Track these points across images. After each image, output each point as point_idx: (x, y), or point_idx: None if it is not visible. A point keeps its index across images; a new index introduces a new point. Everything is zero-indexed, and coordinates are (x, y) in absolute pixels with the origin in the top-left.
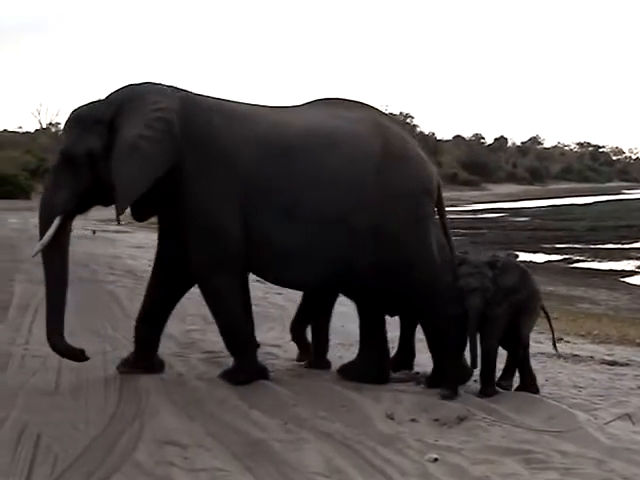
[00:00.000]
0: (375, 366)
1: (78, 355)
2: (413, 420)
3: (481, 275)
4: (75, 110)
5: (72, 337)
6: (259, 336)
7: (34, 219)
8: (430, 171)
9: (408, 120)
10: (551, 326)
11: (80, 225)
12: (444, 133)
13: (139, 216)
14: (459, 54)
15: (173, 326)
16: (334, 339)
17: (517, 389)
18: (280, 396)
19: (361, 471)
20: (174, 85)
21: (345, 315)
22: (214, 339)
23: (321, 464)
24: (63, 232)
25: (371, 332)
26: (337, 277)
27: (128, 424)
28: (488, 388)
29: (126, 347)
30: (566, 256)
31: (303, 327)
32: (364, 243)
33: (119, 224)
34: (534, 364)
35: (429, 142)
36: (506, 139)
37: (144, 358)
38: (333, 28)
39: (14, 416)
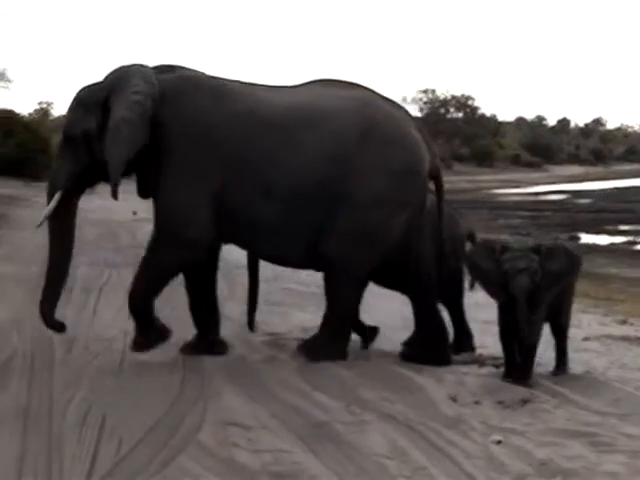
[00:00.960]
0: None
1: (59, 328)
2: (476, 402)
3: (528, 258)
4: (79, 91)
5: (130, 320)
6: (310, 317)
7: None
8: (419, 154)
9: (469, 102)
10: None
11: (128, 207)
12: (506, 115)
13: (140, 193)
14: (521, 35)
15: (234, 308)
16: (397, 321)
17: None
18: (342, 378)
19: (425, 453)
20: (172, 64)
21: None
22: (275, 321)
23: (384, 446)
24: (67, 206)
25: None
26: (316, 252)
27: (192, 405)
28: (526, 375)
29: (187, 329)
30: (630, 238)
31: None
32: (339, 217)
33: (116, 199)
34: (599, 346)
35: (490, 124)
36: (569, 121)
37: (206, 340)
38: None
39: (79, 397)
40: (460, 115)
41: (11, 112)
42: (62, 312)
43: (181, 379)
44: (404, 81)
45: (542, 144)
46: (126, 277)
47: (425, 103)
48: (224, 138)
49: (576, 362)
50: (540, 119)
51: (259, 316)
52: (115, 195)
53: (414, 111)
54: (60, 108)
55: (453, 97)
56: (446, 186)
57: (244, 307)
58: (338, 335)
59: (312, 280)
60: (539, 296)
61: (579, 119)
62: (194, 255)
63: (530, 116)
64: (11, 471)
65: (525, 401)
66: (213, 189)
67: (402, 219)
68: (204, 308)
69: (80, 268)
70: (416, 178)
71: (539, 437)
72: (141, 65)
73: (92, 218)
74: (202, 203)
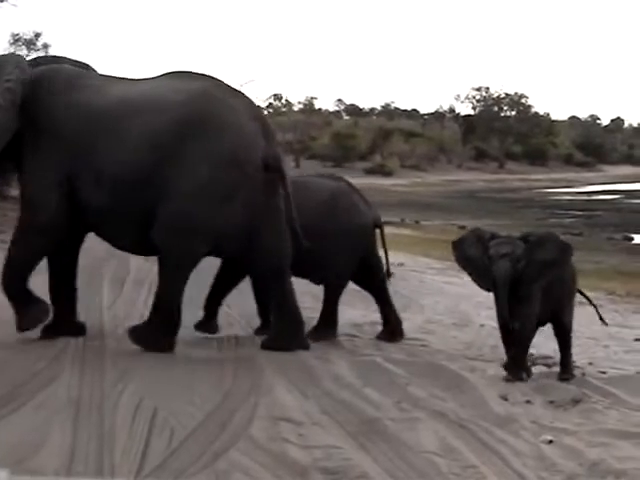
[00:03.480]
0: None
1: None
2: (528, 402)
3: (513, 245)
4: None
5: (185, 313)
6: (360, 314)
7: None
8: (249, 144)
9: (523, 100)
10: (593, 304)
11: None
12: (559, 113)
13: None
14: (577, 33)
15: None
16: (448, 319)
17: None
18: (393, 375)
19: (475, 451)
20: (59, 55)
21: (460, 295)
22: None
23: (435, 443)
24: None
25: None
26: (148, 238)
27: (243, 400)
28: (513, 371)
29: (241, 324)
30: None
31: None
32: (162, 206)
33: None
34: None
35: (544, 123)
36: (622, 120)
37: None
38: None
39: (131, 389)
40: (513, 113)
41: None
42: (114, 305)
43: (233, 373)
44: (458, 79)
45: (595, 143)
46: None
47: (478, 101)
48: (66, 128)
49: (628, 363)
50: (594, 118)
51: (310, 313)
52: None
53: (467, 109)
54: None
55: (507, 95)
56: (497, 185)
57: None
58: (162, 323)
59: None
60: (527, 286)
61: (633, 118)
62: (47, 239)
63: (584, 115)
64: (62, 462)
65: (576, 401)
66: (61, 177)
67: (231, 208)
68: (63, 291)
69: (132, 260)
70: (243, 167)
71: (590, 437)
72: (17, 55)
73: None
74: (52, 190)
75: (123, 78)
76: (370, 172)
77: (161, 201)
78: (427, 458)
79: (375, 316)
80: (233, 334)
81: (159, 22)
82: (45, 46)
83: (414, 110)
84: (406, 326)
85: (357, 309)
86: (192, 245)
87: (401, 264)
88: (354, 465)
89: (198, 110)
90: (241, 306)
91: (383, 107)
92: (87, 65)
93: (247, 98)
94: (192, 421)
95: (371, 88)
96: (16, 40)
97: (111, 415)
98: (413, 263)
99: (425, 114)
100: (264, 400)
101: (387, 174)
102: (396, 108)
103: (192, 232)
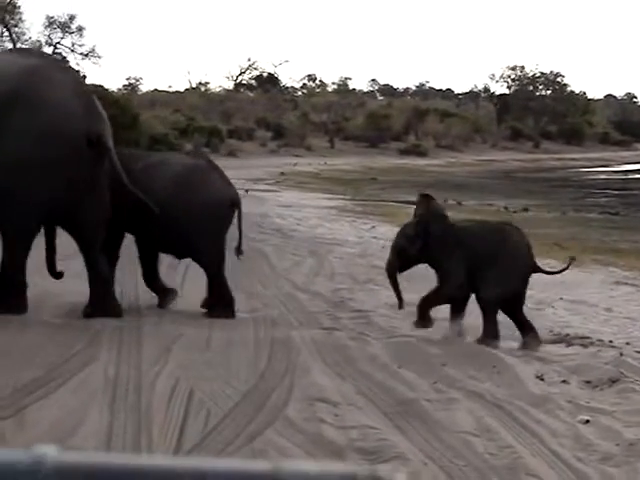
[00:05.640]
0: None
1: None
2: (564, 382)
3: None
4: None
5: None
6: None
7: None
8: (70, 119)
9: (558, 79)
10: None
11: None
12: (595, 92)
13: None
14: (612, 11)
15: (322, 284)
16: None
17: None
18: (429, 356)
19: (512, 431)
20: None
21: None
22: (363, 298)
23: (471, 423)
24: None
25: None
26: None
27: (278, 381)
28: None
29: (276, 305)
30: None
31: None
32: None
33: None
34: None
35: (579, 102)
36: None
37: None
38: None
39: (168, 370)
40: (549, 92)
41: (101, 88)
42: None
43: (268, 355)
44: (493, 58)
45: (632, 122)
46: None
47: (513, 80)
48: None
49: None
50: (630, 96)
51: (347, 294)
52: None
53: (502, 88)
54: (148, 84)
55: (542, 74)
56: (533, 164)
57: (332, 284)
58: (8, 288)
59: None
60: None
61: None
62: None
63: (620, 93)
64: (100, 441)
65: (613, 381)
66: None
67: (53, 181)
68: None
69: None
70: (64, 140)
71: (627, 417)
72: None
73: None
74: None
75: None
76: (404, 152)
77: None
78: (463, 438)
79: (410, 297)
80: (269, 315)
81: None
82: (79, 29)
83: (449, 90)
84: (443, 307)
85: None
86: (21, 219)
87: None
88: (390, 445)
89: (22, 85)
90: (276, 286)
91: (417, 87)
92: None
93: (76, 75)
94: (228, 402)
95: (405, 68)
96: (51, 23)
97: (148, 396)
98: None
99: (460, 94)
100: (300, 381)
101: (421, 154)
102: (431, 88)
103: (18, 206)
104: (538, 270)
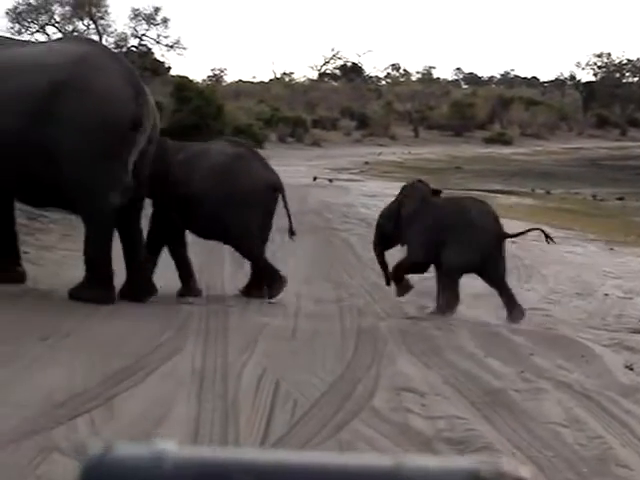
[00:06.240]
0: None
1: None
2: None
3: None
4: None
5: (308, 285)
6: (477, 284)
7: None
8: (113, 105)
9: None
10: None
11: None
12: None
13: None
14: None
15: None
16: (571, 288)
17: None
18: (516, 345)
19: (601, 422)
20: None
21: (583, 264)
22: None
23: (560, 414)
24: None
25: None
26: None
27: (365, 371)
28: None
29: (362, 295)
30: None
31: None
32: (36, 158)
33: None
34: None
35: None
36: None
37: None
38: None
39: (254, 361)
40: (636, 79)
41: (186, 79)
42: (235, 276)
43: (354, 345)
44: (578, 45)
45: None
46: (293, 243)
47: (600, 68)
48: None
49: None
50: None
51: (433, 283)
52: None
53: (588, 76)
54: (232, 75)
55: (629, 61)
56: (620, 152)
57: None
58: (96, 277)
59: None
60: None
61: None
62: None
63: None
64: (187, 432)
65: None
66: None
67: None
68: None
69: None
70: (111, 128)
71: None
72: None
73: None
74: None
75: (14, 40)
76: (489, 141)
77: (38, 164)
78: (552, 429)
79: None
80: (355, 304)
81: None
82: (164, 20)
83: (534, 78)
84: (529, 296)
85: (478, 279)
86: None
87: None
88: (478, 436)
89: (71, 74)
90: (362, 276)
91: (502, 75)
92: None
93: (126, 62)
94: (315, 392)
95: (490, 56)
96: (136, 15)
97: (235, 386)
98: (534, 232)
99: (545, 82)
100: (386, 371)
101: (506, 143)
102: (516, 76)
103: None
104: (506, 236)
